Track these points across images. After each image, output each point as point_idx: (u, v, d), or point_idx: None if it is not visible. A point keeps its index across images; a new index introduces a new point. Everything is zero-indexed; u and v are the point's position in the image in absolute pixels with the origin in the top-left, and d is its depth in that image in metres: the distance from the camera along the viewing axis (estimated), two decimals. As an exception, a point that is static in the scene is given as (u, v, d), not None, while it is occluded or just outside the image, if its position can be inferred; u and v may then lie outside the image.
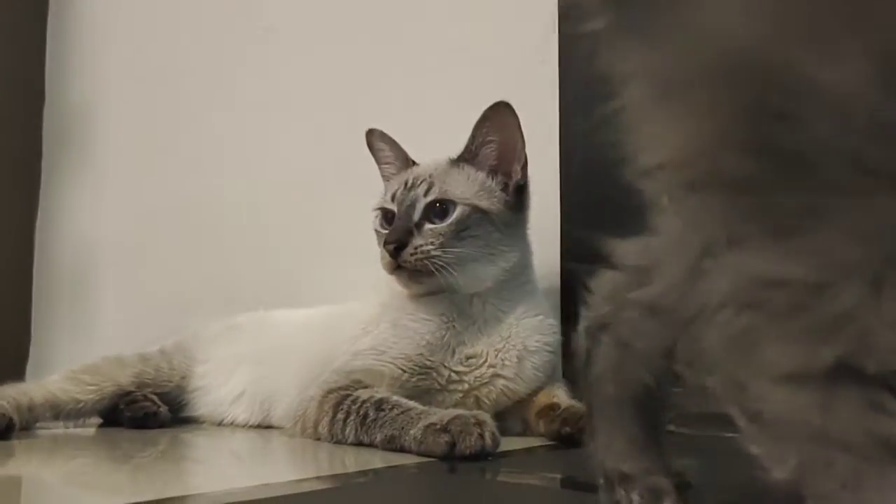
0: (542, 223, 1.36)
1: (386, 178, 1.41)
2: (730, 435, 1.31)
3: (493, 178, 1.28)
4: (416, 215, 1.25)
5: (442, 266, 1.21)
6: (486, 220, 1.25)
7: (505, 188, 1.29)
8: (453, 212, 1.24)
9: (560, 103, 1.53)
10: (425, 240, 1.22)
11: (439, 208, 1.24)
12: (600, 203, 1.49)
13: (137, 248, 2.27)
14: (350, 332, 1.35)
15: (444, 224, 1.23)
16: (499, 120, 1.26)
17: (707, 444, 1.25)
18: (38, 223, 2.52)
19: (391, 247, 1.21)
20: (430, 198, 1.25)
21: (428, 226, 1.24)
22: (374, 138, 1.40)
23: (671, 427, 1.34)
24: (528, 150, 1.30)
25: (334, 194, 1.87)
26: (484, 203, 1.26)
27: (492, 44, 1.65)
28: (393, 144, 1.39)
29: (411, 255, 1.21)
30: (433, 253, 1.21)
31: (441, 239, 1.22)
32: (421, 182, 1.28)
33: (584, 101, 1.52)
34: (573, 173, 1.51)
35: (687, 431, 1.34)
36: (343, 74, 1.90)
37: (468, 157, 1.30)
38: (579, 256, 1.49)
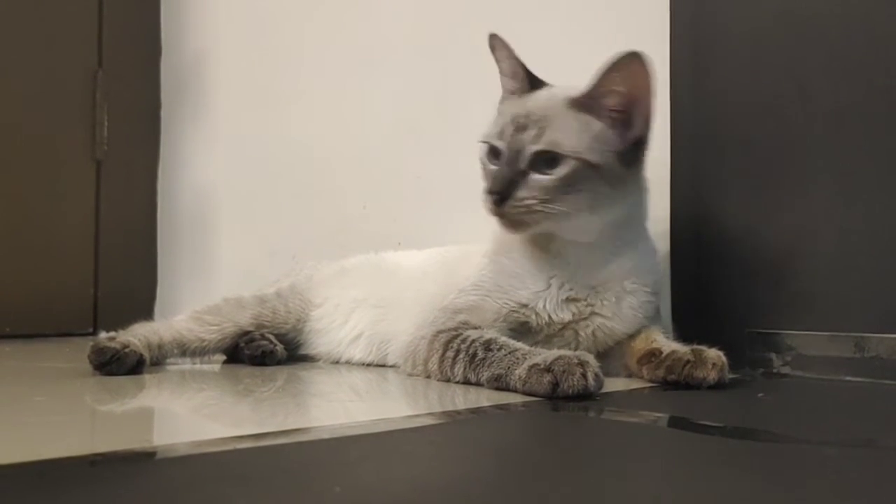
0: (651, 168, 1.30)
1: (505, 88, 1.31)
2: (848, 379, 1.26)
3: (611, 129, 1.19)
4: (523, 163, 1.17)
5: (543, 220, 1.18)
6: (595, 175, 1.17)
7: (622, 139, 1.20)
8: (562, 165, 1.16)
9: (671, 42, 1.46)
10: (529, 192, 1.16)
11: (548, 159, 1.17)
12: (710, 147, 1.44)
13: (252, 193, 2.35)
14: (466, 273, 1.35)
15: (550, 177, 1.16)
16: (631, 71, 1.16)
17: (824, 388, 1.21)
18: (160, 171, 2.65)
19: (494, 197, 1.17)
20: (538, 146, 1.17)
21: (534, 176, 1.17)
22: (497, 44, 1.29)
23: (788, 370, 1.31)
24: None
25: (440, 139, 1.87)
26: (595, 157, 1.17)
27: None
28: (511, 57, 1.28)
29: (513, 207, 1.17)
30: (536, 208, 1.16)
31: (546, 194, 1.16)
32: (532, 125, 1.19)
33: (695, 41, 1.46)
34: (683, 114, 1.45)
35: (803, 374, 1.30)
36: (449, 18, 1.88)
37: (588, 102, 1.19)
38: (689, 199, 1.45)
